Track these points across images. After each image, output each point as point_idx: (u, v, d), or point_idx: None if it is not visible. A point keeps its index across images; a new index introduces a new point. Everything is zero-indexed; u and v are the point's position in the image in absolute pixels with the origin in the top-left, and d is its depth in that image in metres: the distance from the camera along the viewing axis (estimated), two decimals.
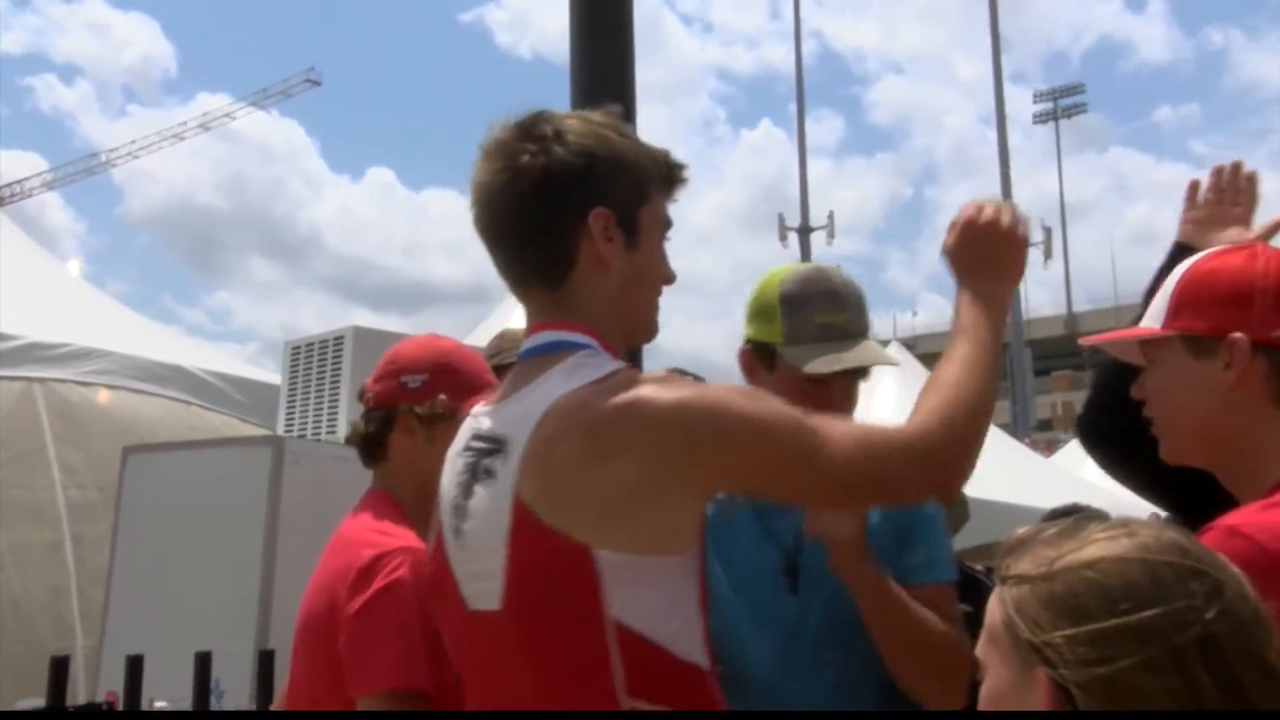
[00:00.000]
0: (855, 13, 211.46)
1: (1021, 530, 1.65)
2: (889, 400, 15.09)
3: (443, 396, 3.04)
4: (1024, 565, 1.56)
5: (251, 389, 7.21)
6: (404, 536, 2.87)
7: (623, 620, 2.04)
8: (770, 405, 2.10)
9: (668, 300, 2.47)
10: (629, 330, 2.37)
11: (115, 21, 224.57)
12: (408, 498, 3.04)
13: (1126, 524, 1.57)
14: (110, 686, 3.82)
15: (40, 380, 6.80)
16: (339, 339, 4.78)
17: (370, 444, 3.14)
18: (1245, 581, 1.52)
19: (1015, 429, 26.94)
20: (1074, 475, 15.35)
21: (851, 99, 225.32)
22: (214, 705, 3.70)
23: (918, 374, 16.21)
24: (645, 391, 2.07)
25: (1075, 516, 1.66)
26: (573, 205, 2.23)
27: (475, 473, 2.20)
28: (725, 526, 2.92)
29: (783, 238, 35.67)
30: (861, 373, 3.06)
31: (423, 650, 2.69)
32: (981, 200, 2.47)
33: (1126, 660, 1.42)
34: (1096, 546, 1.52)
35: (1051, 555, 1.54)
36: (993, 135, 38.84)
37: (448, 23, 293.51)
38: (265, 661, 3.66)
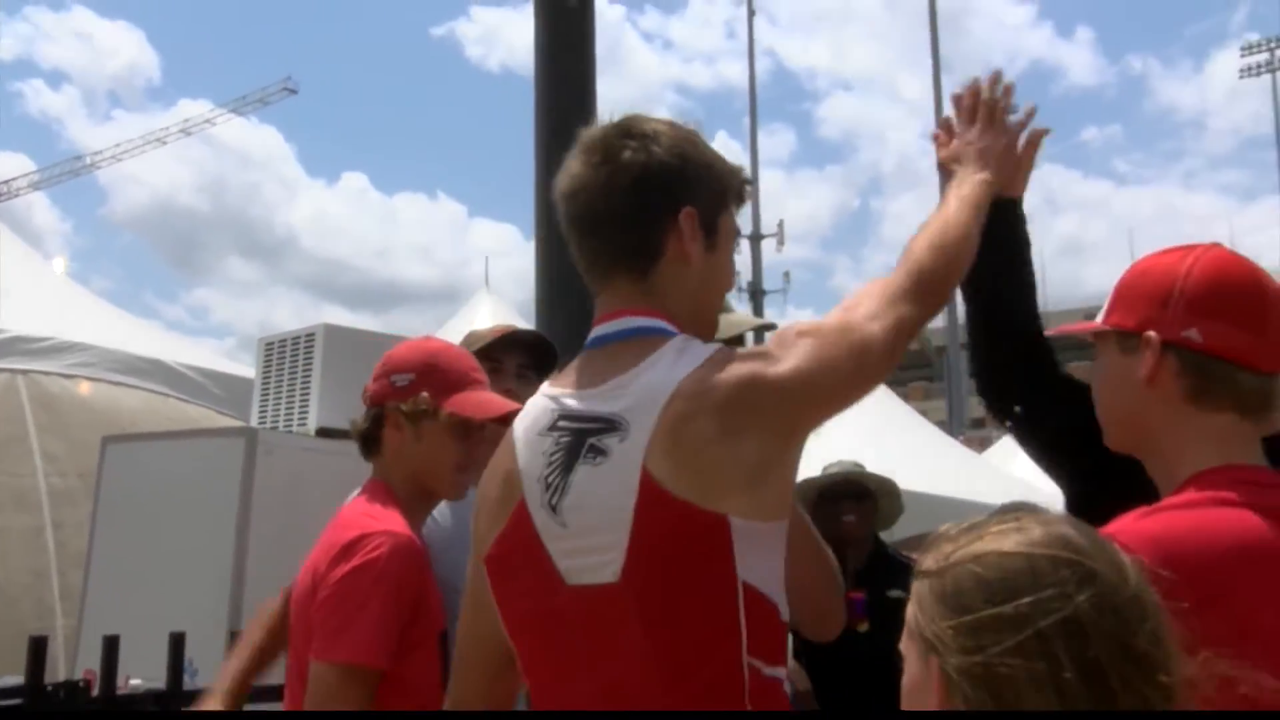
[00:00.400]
0: (807, 33, 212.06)
1: (942, 528, 1.64)
2: None
3: (425, 394, 3.04)
4: (928, 561, 1.58)
5: (227, 383, 7.16)
6: (389, 520, 2.88)
7: (749, 581, 2.08)
8: (832, 332, 2.18)
9: None
10: (697, 327, 2.36)
11: (102, 30, 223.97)
12: (402, 488, 3.06)
13: (1019, 519, 1.58)
14: (88, 665, 3.79)
15: (24, 372, 6.76)
16: (310, 336, 4.74)
17: (366, 439, 3.16)
18: (1128, 568, 1.52)
19: (950, 427, 27.08)
20: (1003, 470, 15.42)
21: (803, 114, 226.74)
22: (187, 684, 3.67)
23: None
24: (758, 368, 2.12)
25: (1005, 511, 1.66)
26: (667, 201, 2.28)
27: (576, 451, 2.19)
28: None
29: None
30: (739, 340, 3.17)
31: (390, 630, 2.70)
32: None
33: (998, 647, 1.42)
34: (985, 542, 1.53)
35: (948, 551, 1.56)
36: (934, 150, 38.99)
37: (421, 36, 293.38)
38: (237, 642, 3.62)
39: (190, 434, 5.45)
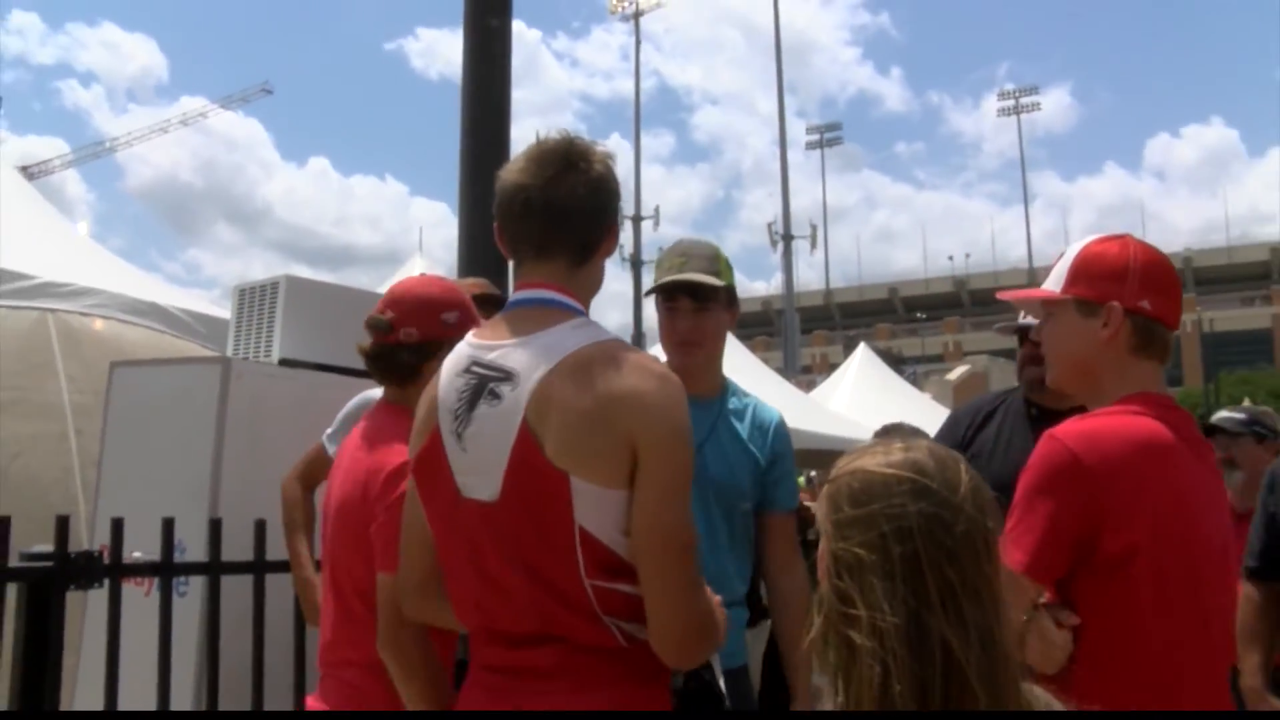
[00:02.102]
0: (684, 57, 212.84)
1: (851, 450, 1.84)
2: None
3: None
4: (832, 472, 1.75)
5: (210, 323, 7.06)
6: None
7: (585, 526, 2.09)
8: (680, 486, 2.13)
9: None
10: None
11: (123, 40, 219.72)
12: None
13: (889, 445, 1.74)
14: (102, 541, 3.75)
15: (52, 310, 6.67)
16: (275, 285, 4.69)
17: (407, 371, 2.98)
18: (962, 486, 1.68)
19: (785, 372, 27.34)
20: (824, 407, 15.66)
21: (680, 121, 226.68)
22: (177, 557, 3.65)
23: None
24: (642, 384, 2.11)
25: (888, 433, 1.79)
26: (614, 208, 2.34)
27: (480, 392, 2.18)
28: None
29: (620, 225, 37.15)
30: (698, 296, 3.24)
31: None
32: None
33: (855, 539, 1.62)
34: (862, 460, 1.72)
35: (841, 464, 1.74)
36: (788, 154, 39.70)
37: (375, 49, 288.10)
38: (215, 526, 3.64)
39: (179, 361, 5.39)
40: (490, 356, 2.21)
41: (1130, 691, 2.22)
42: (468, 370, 2.23)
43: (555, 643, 2.14)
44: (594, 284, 2.36)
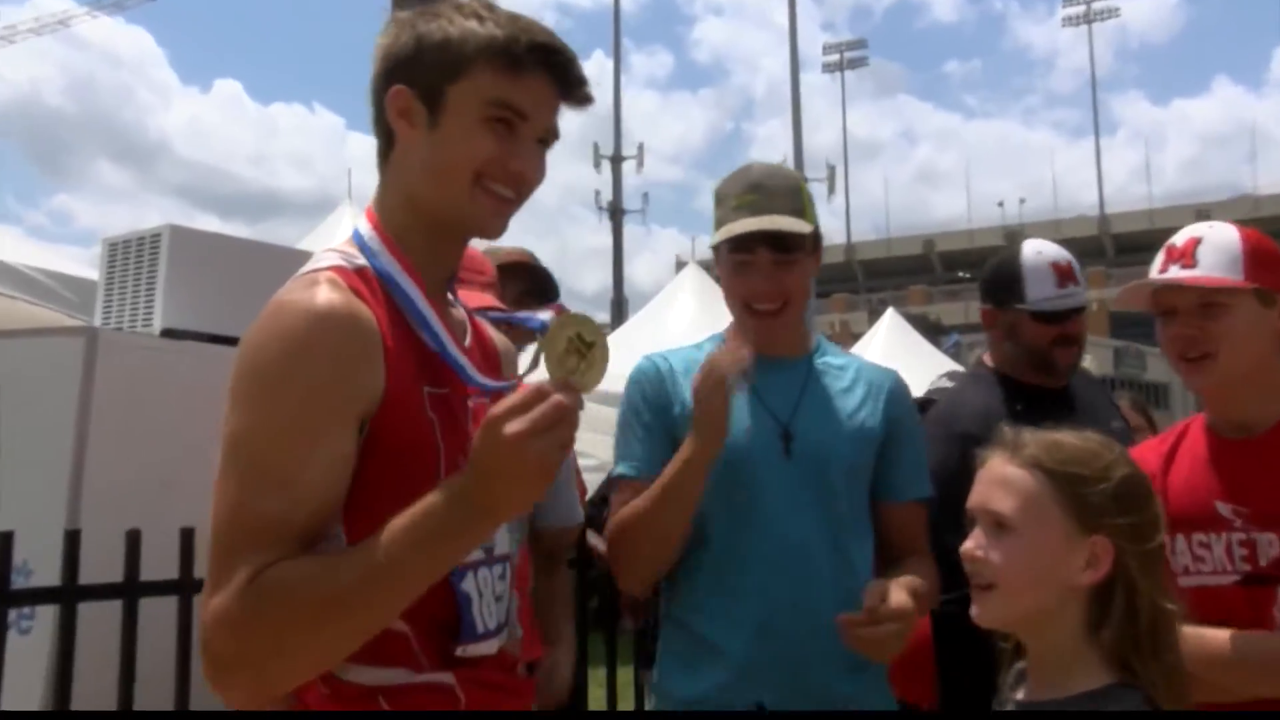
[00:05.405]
0: None
1: (1010, 430, 2.34)
2: (686, 313, 15.17)
3: None
4: (1052, 459, 2.26)
5: (81, 287, 6.93)
6: None
7: None
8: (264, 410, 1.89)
9: None
10: (439, 222, 2.11)
11: None
12: None
13: (1098, 439, 2.32)
14: None
15: None
16: (156, 236, 4.55)
17: None
18: None
19: None
20: None
21: (678, 37, 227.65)
22: (22, 583, 3.53)
23: (715, 291, 16.29)
24: (247, 334, 1.95)
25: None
26: (383, 83, 2.08)
27: None
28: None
29: (596, 165, 36.35)
30: (782, 246, 3.02)
31: None
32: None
33: (1153, 540, 2.24)
34: (1118, 459, 2.28)
35: (1095, 460, 2.25)
36: (805, 77, 39.35)
37: None
38: (71, 540, 3.50)
39: (26, 333, 5.17)
40: None
41: None
42: None
43: None
44: (410, 170, 2.10)
